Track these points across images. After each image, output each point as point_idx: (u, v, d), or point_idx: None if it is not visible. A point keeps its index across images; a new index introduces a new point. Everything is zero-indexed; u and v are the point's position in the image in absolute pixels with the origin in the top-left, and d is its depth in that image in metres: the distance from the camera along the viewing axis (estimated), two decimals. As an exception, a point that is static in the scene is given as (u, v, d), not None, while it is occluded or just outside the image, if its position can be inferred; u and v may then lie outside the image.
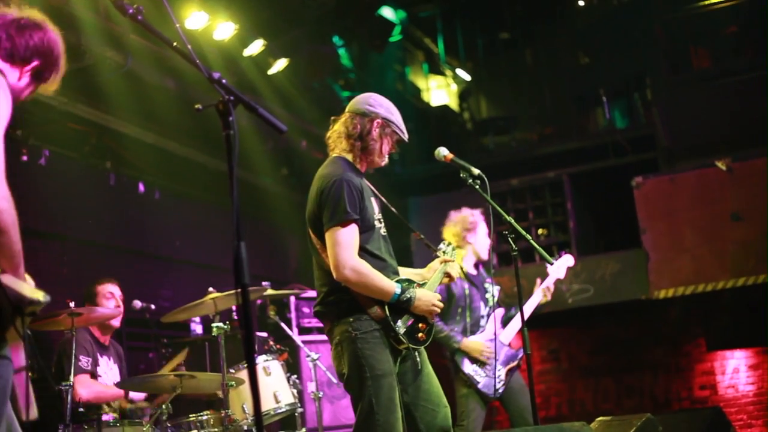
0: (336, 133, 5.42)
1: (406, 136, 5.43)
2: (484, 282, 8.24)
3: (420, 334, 5.23)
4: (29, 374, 3.49)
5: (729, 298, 12.54)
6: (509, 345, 8.21)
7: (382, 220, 5.40)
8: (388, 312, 5.08)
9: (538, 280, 8.27)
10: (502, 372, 7.97)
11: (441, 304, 5.29)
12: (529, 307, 8.14)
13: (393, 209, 5.63)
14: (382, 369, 5.03)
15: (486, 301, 8.23)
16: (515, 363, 8.07)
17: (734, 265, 11.70)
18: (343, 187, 5.07)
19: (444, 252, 5.64)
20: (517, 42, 16.54)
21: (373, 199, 5.37)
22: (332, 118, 5.51)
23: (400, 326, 5.11)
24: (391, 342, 5.11)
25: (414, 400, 5.26)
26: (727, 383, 13.53)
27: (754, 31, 13.42)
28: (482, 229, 8.03)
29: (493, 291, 8.35)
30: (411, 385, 5.27)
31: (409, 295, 5.13)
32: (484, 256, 8.11)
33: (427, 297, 5.22)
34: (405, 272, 5.58)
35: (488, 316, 8.15)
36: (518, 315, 8.16)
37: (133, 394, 7.11)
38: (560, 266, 8.43)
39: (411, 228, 5.85)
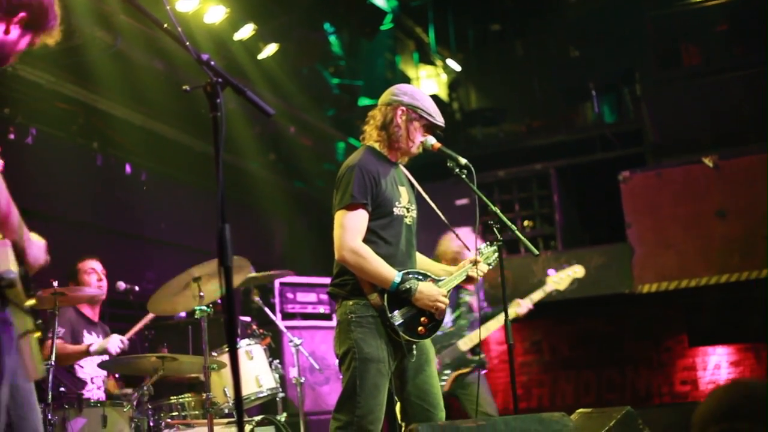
0: (368, 126, 5.53)
1: (438, 120, 5.47)
2: (461, 288, 8.27)
3: (420, 328, 5.23)
4: (34, 335, 3.48)
5: (712, 295, 12.58)
6: (469, 352, 8.31)
7: (411, 210, 5.46)
8: (386, 300, 5.12)
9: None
10: (449, 374, 8.08)
11: (446, 300, 5.27)
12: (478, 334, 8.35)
13: (432, 204, 5.67)
14: (370, 353, 5.07)
15: (454, 307, 8.29)
16: (466, 369, 8.20)
17: (718, 261, 11.74)
18: (354, 173, 5.20)
19: (481, 252, 5.64)
20: (508, 34, 16.53)
21: (403, 189, 5.46)
22: (368, 113, 5.60)
23: (397, 316, 5.13)
24: (389, 332, 5.15)
25: (410, 397, 5.31)
26: (709, 379, 13.59)
27: (744, 29, 13.46)
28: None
29: (470, 299, 8.40)
30: (411, 381, 5.31)
31: (408, 286, 5.15)
32: None
33: (430, 291, 5.21)
34: (434, 268, 5.62)
35: (452, 321, 8.22)
36: (487, 323, 8.34)
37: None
38: (564, 277, 8.51)
39: (448, 225, 5.85)
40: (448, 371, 8.13)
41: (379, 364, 5.08)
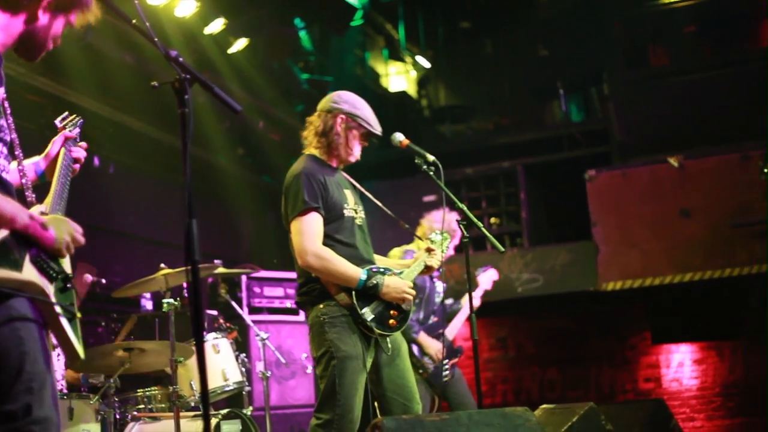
0: (308, 132, 5.60)
1: (376, 129, 5.55)
2: (434, 278, 8.36)
3: (391, 321, 5.30)
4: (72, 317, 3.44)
5: (676, 293, 12.69)
6: (453, 341, 8.47)
7: (359, 211, 5.52)
8: (355, 299, 5.18)
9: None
10: (447, 364, 8.16)
11: (412, 292, 5.37)
12: (459, 320, 8.48)
13: (378, 203, 5.72)
14: (347, 351, 5.13)
15: (438, 296, 8.39)
16: (456, 359, 8.33)
17: (682, 260, 11.85)
18: (301, 180, 5.27)
19: (432, 242, 5.69)
20: (478, 32, 16.57)
21: (348, 192, 5.51)
22: (307, 118, 5.65)
23: (367, 312, 5.19)
24: (361, 329, 5.21)
25: (386, 392, 5.37)
26: (672, 377, 13.70)
27: (711, 30, 13.57)
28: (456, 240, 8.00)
29: (439, 288, 8.49)
30: (386, 376, 5.37)
31: (375, 281, 5.22)
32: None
33: (396, 284, 5.30)
34: (392, 263, 5.68)
35: (435, 311, 8.31)
36: (462, 310, 8.44)
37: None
38: (487, 279, 8.63)
39: (396, 219, 5.90)
40: (446, 361, 8.22)
41: (355, 361, 5.15)
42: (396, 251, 8.09)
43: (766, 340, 11.96)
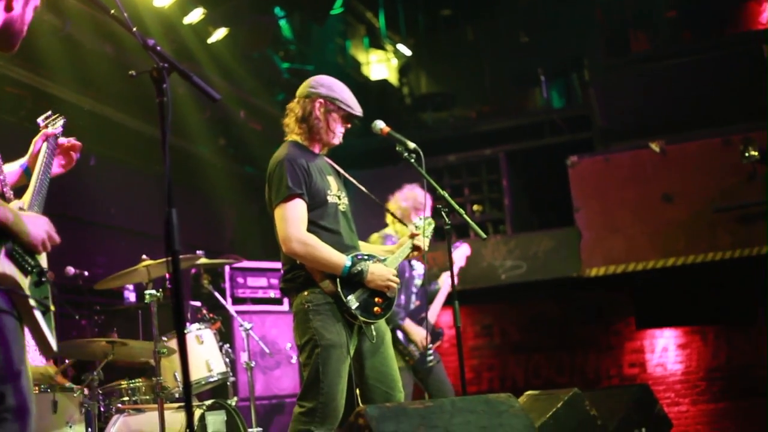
0: (289, 120, 5.58)
1: (356, 111, 5.54)
2: (412, 260, 8.36)
3: (376, 308, 5.29)
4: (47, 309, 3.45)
5: (659, 278, 12.71)
6: (434, 324, 8.48)
7: (342, 197, 5.50)
8: (339, 286, 5.17)
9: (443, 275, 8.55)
10: (431, 349, 8.16)
11: (397, 279, 5.36)
12: (439, 301, 8.46)
13: (362, 188, 5.71)
14: (331, 339, 5.12)
15: (418, 278, 8.38)
16: (439, 342, 8.35)
17: (664, 245, 11.87)
18: (285, 166, 5.25)
19: (416, 226, 5.69)
20: (459, 19, 16.55)
21: (330, 178, 5.49)
22: (287, 106, 5.64)
23: (352, 300, 5.18)
24: (345, 317, 5.20)
25: (368, 380, 5.36)
26: (656, 362, 13.75)
27: (692, 16, 13.60)
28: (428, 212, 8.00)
29: (419, 270, 8.47)
30: (368, 364, 5.36)
31: (360, 268, 5.21)
32: None
33: (381, 271, 5.29)
34: (376, 249, 5.67)
35: (416, 294, 8.29)
36: (441, 290, 8.43)
37: None
38: (460, 256, 8.63)
39: (380, 203, 5.91)
40: (430, 345, 8.21)
41: (340, 349, 5.14)
42: (375, 237, 8.08)
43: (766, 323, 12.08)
